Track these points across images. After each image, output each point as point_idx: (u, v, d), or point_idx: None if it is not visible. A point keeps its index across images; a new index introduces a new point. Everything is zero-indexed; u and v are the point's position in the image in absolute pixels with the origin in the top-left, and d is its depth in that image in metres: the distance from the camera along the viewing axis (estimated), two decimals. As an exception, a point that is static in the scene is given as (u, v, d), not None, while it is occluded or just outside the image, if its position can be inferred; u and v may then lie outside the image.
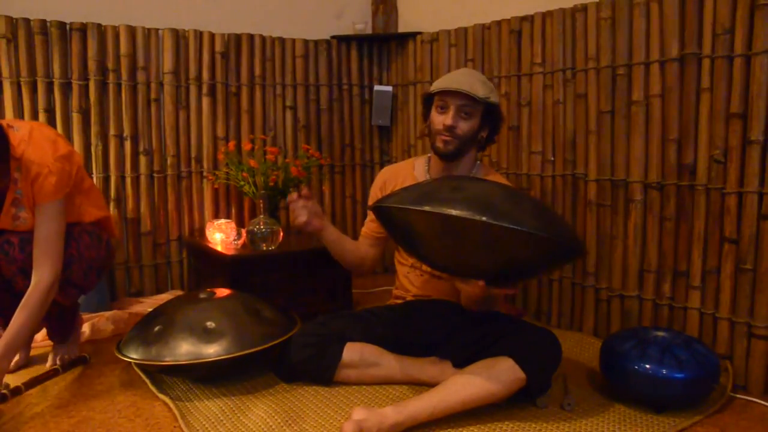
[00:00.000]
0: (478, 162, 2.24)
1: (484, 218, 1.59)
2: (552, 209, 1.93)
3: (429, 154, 2.27)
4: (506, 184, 1.97)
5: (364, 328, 2.11)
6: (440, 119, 2.11)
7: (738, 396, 2.00)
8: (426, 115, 2.22)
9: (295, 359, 2.05)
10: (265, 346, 2.03)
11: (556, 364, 1.96)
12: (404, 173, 2.29)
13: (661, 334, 2.01)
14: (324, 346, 2.04)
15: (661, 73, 2.26)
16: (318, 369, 2.04)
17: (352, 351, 2.04)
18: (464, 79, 2.10)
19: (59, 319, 2.20)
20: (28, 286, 1.93)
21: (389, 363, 2.06)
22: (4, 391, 1.87)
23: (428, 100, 2.19)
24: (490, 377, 1.81)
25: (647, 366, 1.85)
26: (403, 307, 2.24)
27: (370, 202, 2.32)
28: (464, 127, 2.10)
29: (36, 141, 1.95)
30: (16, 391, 1.88)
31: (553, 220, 1.77)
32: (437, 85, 2.13)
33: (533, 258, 1.75)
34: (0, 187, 1.95)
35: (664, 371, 1.83)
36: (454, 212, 1.61)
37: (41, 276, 1.92)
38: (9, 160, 1.91)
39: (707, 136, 2.13)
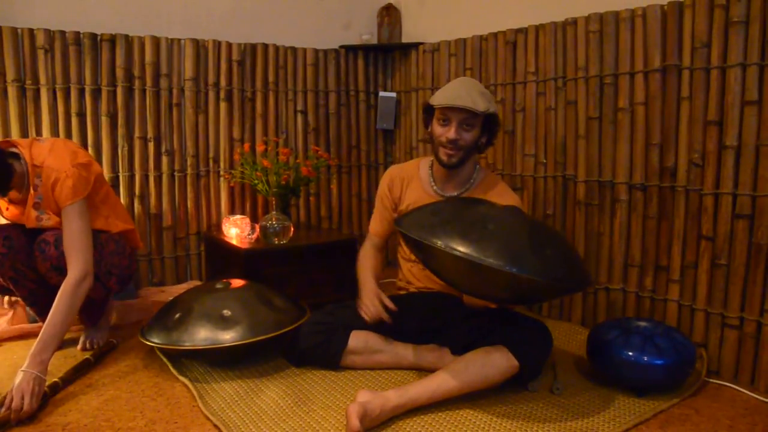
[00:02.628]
0: (478, 165, 2.24)
1: (514, 270, 1.61)
2: (569, 245, 1.92)
3: (432, 157, 2.25)
4: (525, 217, 1.93)
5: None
6: (442, 131, 2.08)
7: (711, 381, 2.04)
8: (427, 123, 2.19)
9: (305, 345, 2.07)
10: (277, 332, 2.05)
11: (548, 353, 1.98)
12: (411, 174, 2.29)
13: (643, 324, 2.04)
14: (331, 334, 2.06)
15: (644, 83, 2.27)
16: (325, 355, 2.06)
17: (357, 338, 2.06)
18: (465, 93, 2.04)
19: (89, 306, 2.23)
20: (61, 282, 1.97)
21: (392, 350, 2.08)
22: (56, 380, 1.91)
23: (429, 109, 2.16)
24: (485, 364, 1.83)
25: (630, 353, 1.88)
26: (406, 297, 2.25)
27: (378, 200, 2.34)
28: (467, 138, 2.08)
29: (56, 151, 2.05)
30: (55, 387, 1.90)
31: (572, 261, 1.79)
32: (439, 99, 2.07)
33: (549, 294, 1.83)
34: (19, 197, 2.07)
35: (646, 358, 1.86)
36: (486, 262, 1.62)
37: (72, 271, 1.97)
38: (11, 180, 1.99)
39: (687, 141, 2.15)
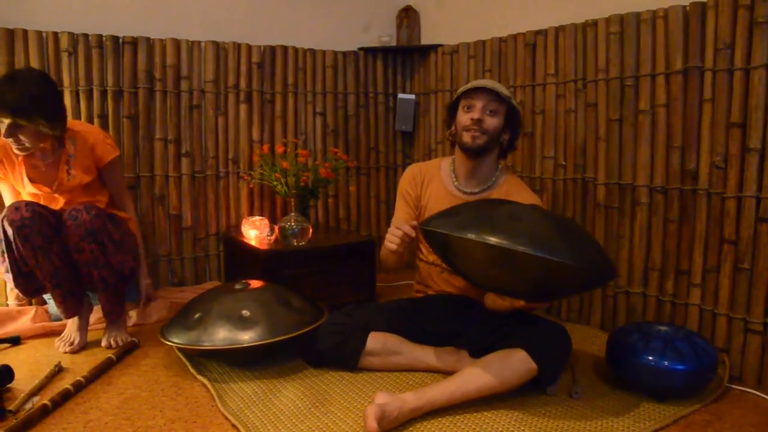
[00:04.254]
0: (500, 166, 2.24)
1: (546, 255, 1.59)
2: (592, 237, 1.90)
3: (454, 156, 2.26)
4: (548, 212, 1.94)
5: (387, 318, 2.12)
6: (467, 116, 2.11)
7: (734, 387, 2.01)
8: (450, 122, 2.22)
9: (323, 346, 2.08)
10: (295, 333, 2.06)
11: (567, 356, 1.96)
12: (432, 172, 2.29)
13: (663, 328, 2.01)
14: (349, 335, 2.07)
15: (666, 85, 2.25)
16: (343, 356, 2.06)
17: (375, 340, 2.06)
18: (487, 81, 2.14)
19: (114, 293, 2.30)
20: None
21: (410, 351, 2.07)
22: (80, 378, 1.94)
23: (453, 106, 2.19)
24: (504, 367, 1.82)
25: (650, 358, 1.86)
26: (424, 299, 2.26)
27: (399, 196, 2.33)
28: (491, 122, 2.10)
29: (85, 123, 2.54)
30: (78, 385, 1.92)
31: (598, 250, 1.78)
32: (463, 87, 2.14)
33: (576, 284, 1.79)
34: (49, 161, 2.31)
35: (666, 363, 1.83)
36: (518, 248, 1.60)
37: (129, 208, 2.51)
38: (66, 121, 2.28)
39: (709, 143, 2.13)
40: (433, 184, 2.27)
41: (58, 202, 2.34)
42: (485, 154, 2.15)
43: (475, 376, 1.81)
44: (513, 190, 2.18)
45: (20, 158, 2.27)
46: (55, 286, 2.22)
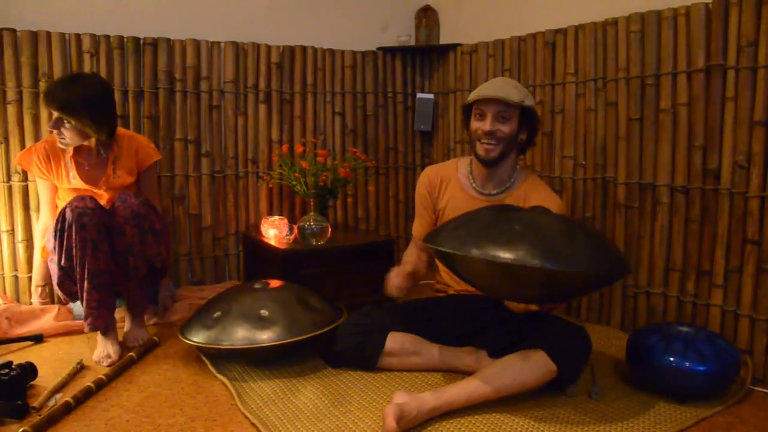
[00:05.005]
0: (518, 166, 2.23)
1: (548, 265, 1.58)
2: (600, 234, 1.88)
3: (471, 157, 2.25)
4: (557, 213, 1.93)
5: (406, 319, 2.12)
6: (479, 125, 2.10)
7: (757, 389, 1.98)
8: (467, 123, 2.20)
9: (342, 347, 2.08)
10: (313, 333, 2.07)
11: (586, 357, 1.95)
12: (449, 174, 2.28)
13: (684, 329, 1.99)
14: (368, 335, 2.07)
15: (687, 83, 2.23)
16: (362, 356, 2.06)
17: (394, 340, 2.06)
18: (498, 86, 2.09)
19: (142, 286, 2.34)
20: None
21: (429, 352, 2.07)
22: (101, 377, 1.96)
23: (467, 109, 2.18)
24: (523, 368, 1.81)
25: (671, 359, 1.84)
26: (443, 300, 2.25)
27: (417, 201, 2.33)
28: (504, 129, 2.08)
29: (127, 130, 2.66)
30: (100, 383, 1.94)
31: (606, 249, 1.75)
32: (473, 95, 2.12)
33: (587, 286, 1.79)
34: (97, 160, 2.45)
35: (687, 364, 1.81)
36: (519, 262, 1.60)
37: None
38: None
39: (731, 142, 2.10)
40: (450, 186, 2.26)
41: (101, 199, 2.40)
42: (502, 161, 2.14)
43: (494, 376, 1.81)
44: (532, 190, 2.17)
45: (69, 155, 2.42)
46: (94, 287, 2.18)
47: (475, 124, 2.12)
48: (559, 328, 1.96)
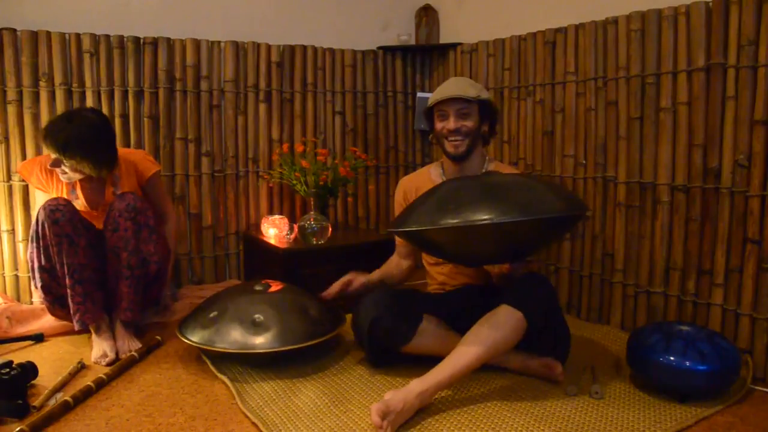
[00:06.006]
0: (487, 157, 2.28)
1: (491, 218, 1.68)
2: (552, 183, 1.96)
3: (441, 160, 2.31)
4: (506, 172, 2.06)
5: (433, 305, 2.14)
6: (443, 125, 2.16)
7: (757, 388, 1.98)
8: (430, 127, 2.26)
9: (379, 314, 2.00)
10: (305, 344, 2.05)
11: (551, 298, 1.97)
12: (422, 181, 2.32)
13: (685, 328, 1.99)
14: (407, 311, 2.04)
15: (688, 82, 2.23)
16: (399, 330, 2.00)
17: (429, 320, 2.05)
18: (454, 86, 2.16)
19: (135, 287, 2.31)
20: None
21: (453, 339, 1.99)
22: (102, 376, 1.96)
23: (429, 113, 2.23)
24: (491, 326, 1.84)
25: (671, 358, 1.84)
26: (446, 295, 2.27)
27: (396, 211, 2.37)
28: (468, 124, 2.14)
29: (123, 148, 2.63)
30: (100, 382, 1.94)
31: (555, 194, 1.83)
32: (433, 98, 2.18)
33: (545, 235, 1.86)
34: (98, 183, 2.43)
35: (688, 363, 1.81)
36: (468, 222, 1.71)
37: (171, 220, 2.63)
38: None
39: (732, 141, 2.10)
40: (425, 190, 2.26)
41: (98, 222, 2.37)
42: (470, 155, 2.19)
43: (470, 344, 1.82)
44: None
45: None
46: (77, 281, 2.18)
47: (439, 125, 2.18)
48: (517, 283, 1.97)
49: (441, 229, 1.76)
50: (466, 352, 1.81)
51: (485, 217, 1.69)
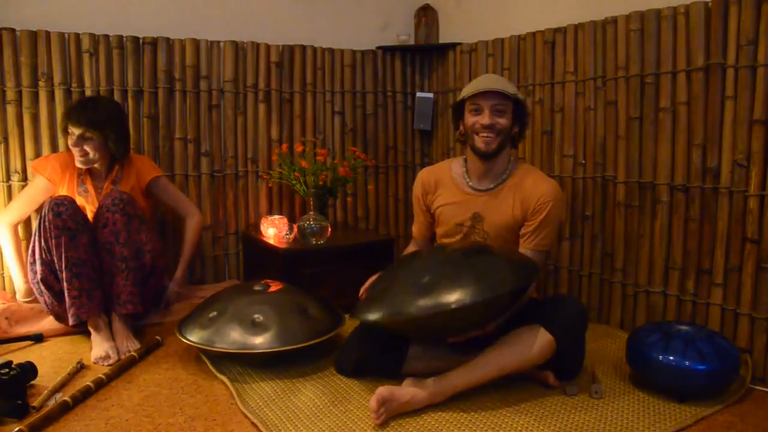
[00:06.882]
0: (511, 158, 2.22)
1: (425, 311, 1.70)
2: (498, 252, 1.92)
3: (464, 156, 2.26)
4: (449, 251, 1.95)
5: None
6: (476, 119, 2.09)
7: (757, 387, 1.98)
8: (456, 123, 2.21)
9: (361, 354, 2.01)
10: (305, 344, 2.05)
11: (583, 325, 1.96)
12: (442, 175, 2.27)
13: (684, 328, 1.99)
14: (389, 339, 1.98)
15: (687, 82, 2.23)
16: (385, 362, 1.98)
17: (415, 345, 1.99)
18: (493, 80, 2.12)
19: (131, 281, 2.30)
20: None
21: (445, 355, 1.96)
22: (101, 376, 1.96)
23: (459, 107, 2.18)
24: (521, 343, 1.83)
25: (671, 358, 1.84)
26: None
27: (414, 203, 2.34)
28: (502, 122, 2.09)
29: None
30: (99, 382, 1.94)
31: (502, 268, 1.79)
32: (469, 90, 2.11)
33: (493, 310, 1.78)
34: (102, 183, 2.54)
35: (687, 363, 1.81)
36: (422, 312, 1.71)
37: (193, 217, 2.78)
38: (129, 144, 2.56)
39: (731, 141, 2.10)
40: (443, 187, 2.25)
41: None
42: (499, 153, 2.14)
43: (493, 356, 1.82)
44: (526, 175, 2.16)
45: (79, 176, 2.52)
46: (74, 275, 2.18)
47: (471, 119, 2.11)
48: (552, 302, 1.96)
49: (401, 321, 1.76)
50: (487, 363, 1.81)
51: (422, 311, 1.70)
